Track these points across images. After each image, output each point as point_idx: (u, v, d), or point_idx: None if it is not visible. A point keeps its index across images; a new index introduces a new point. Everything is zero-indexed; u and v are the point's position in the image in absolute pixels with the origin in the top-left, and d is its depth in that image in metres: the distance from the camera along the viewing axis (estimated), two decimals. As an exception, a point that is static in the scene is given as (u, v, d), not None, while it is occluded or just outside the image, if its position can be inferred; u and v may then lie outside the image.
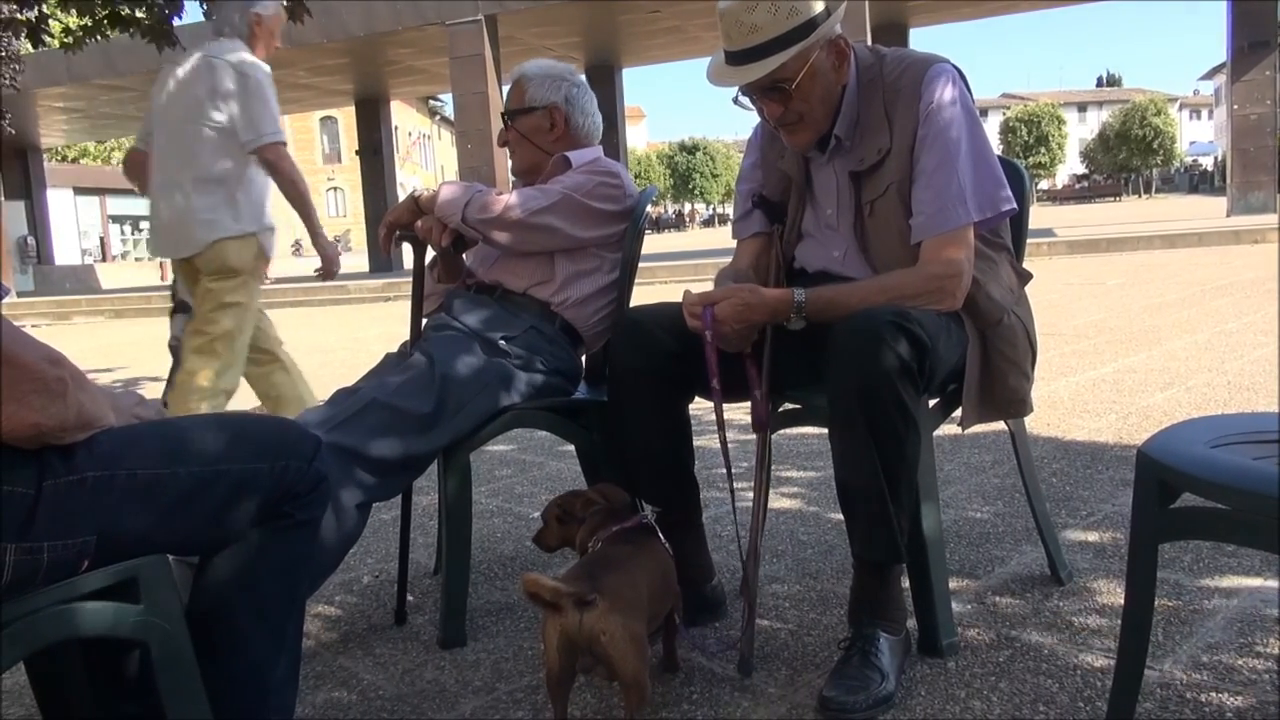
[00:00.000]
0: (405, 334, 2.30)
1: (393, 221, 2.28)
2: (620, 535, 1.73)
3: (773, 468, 2.54)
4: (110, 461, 1.22)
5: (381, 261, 19.81)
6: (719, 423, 1.84)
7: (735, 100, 1.89)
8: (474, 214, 2.18)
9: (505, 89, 2.49)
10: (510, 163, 2.50)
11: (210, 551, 1.39)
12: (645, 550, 1.70)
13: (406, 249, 2.38)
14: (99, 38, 6.00)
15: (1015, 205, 1.88)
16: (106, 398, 1.30)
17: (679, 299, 1.86)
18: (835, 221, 1.97)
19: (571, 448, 2.54)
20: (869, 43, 3.09)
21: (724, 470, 1.90)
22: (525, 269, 2.28)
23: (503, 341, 2.15)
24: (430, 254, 2.35)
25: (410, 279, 2.41)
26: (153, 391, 6.30)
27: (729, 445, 1.91)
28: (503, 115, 2.44)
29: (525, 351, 2.17)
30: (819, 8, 1.79)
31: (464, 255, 2.41)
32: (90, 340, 11.98)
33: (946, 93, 1.82)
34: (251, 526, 1.38)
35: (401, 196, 3.27)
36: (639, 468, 2.00)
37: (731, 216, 2.22)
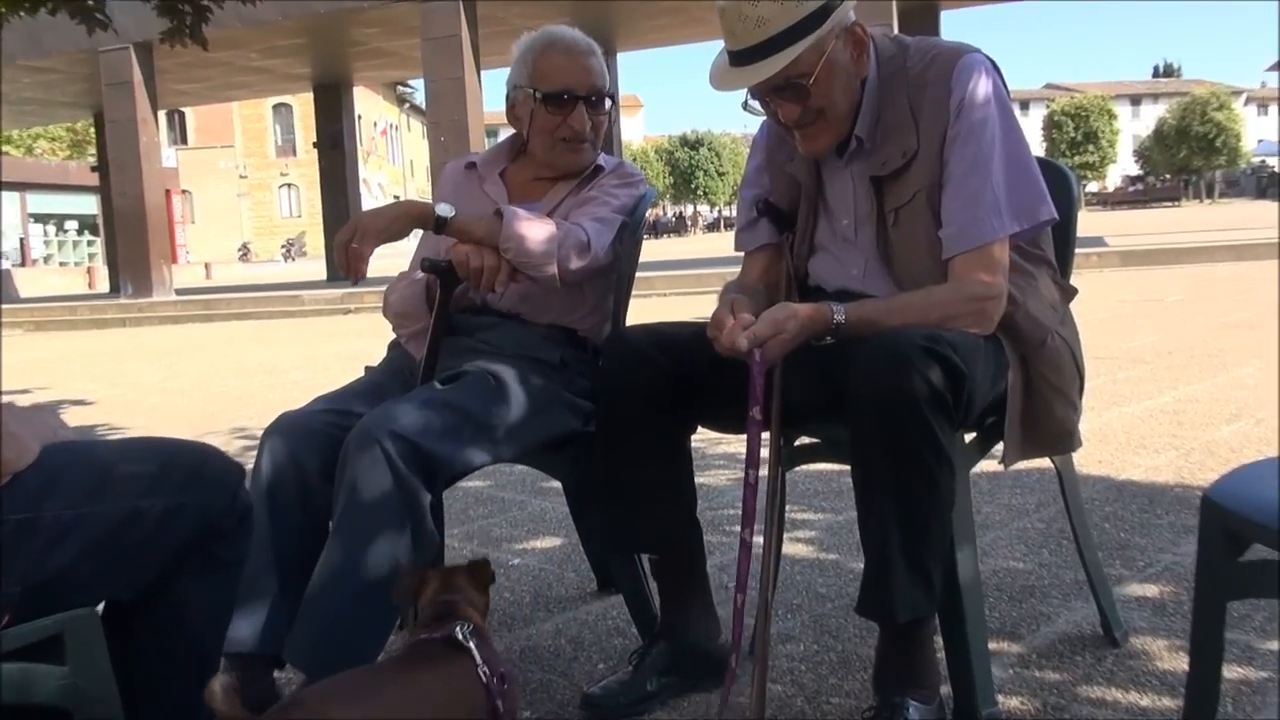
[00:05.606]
0: (367, 353, 2.30)
1: (381, 230, 2.03)
2: (420, 645, 1.53)
3: (787, 510, 2.54)
4: (33, 502, 1.22)
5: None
6: (750, 460, 1.78)
7: (745, 105, 1.91)
8: (574, 264, 2.09)
9: (483, 73, 2.42)
10: (581, 157, 2.28)
11: (134, 596, 1.40)
12: (426, 673, 1.49)
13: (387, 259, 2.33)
14: (22, 15, 6.02)
15: (1056, 214, 1.89)
16: (29, 428, 1.30)
17: (679, 316, 1.86)
18: (852, 234, 1.97)
19: (557, 484, 2.54)
20: (895, 28, 3.12)
21: (730, 512, 1.90)
22: (552, 299, 2.21)
23: (558, 359, 2.17)
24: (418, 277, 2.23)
25: (374, 289, 2.39)
26: (75, 416, 6.28)
27: (736, 482, 1.90)
28: (602, 98, 2.26)
29: (576, 374, 2.17)
30: None
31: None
32: (6, 357, 11.94)
33: (980, 87, 1.83)
34: (175, 567, 1.39)
35: (365, 194, 3.04)
36: (633, 506, 2.00)
37: (735, 224, 2.22)
